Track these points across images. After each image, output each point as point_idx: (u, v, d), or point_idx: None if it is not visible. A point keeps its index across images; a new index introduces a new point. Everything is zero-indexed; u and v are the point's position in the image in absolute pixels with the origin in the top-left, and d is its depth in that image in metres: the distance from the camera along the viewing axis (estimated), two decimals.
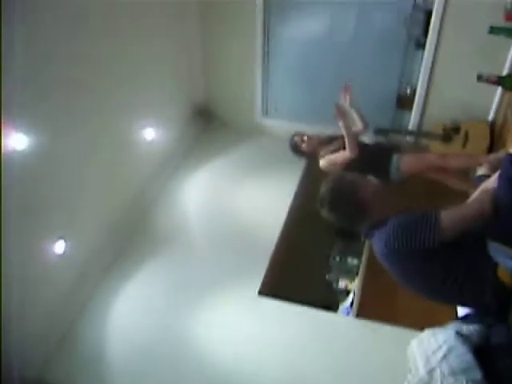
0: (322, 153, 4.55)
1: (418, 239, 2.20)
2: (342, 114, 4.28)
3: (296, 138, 4.70)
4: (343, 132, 4.31)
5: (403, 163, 4.38)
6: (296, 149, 4.70)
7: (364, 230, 2.49)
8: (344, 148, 4.36)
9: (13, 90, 3.27)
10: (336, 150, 4.45)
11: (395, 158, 4.40)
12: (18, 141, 3.44)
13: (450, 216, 2.23)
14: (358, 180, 2.52)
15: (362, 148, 4.54)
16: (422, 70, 5.34)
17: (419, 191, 4.60)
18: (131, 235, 4.98)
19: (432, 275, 2.29)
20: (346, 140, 4.30)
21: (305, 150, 4.66)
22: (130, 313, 4.40)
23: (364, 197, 2.43)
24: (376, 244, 2.39)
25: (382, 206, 2.44)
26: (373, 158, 4.43)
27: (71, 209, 4.20)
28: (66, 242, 4.10)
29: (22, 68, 3.34)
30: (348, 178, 2.54)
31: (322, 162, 4.48)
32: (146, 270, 4.69)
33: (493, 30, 3.45)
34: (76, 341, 4.22)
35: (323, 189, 2.54)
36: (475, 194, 2.46)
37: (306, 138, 4.65)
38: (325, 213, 2.53)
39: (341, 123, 4.28)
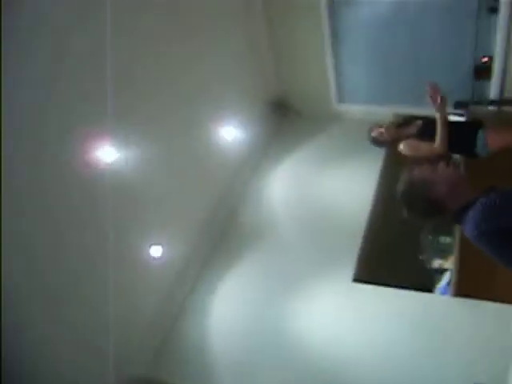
0: (401, 137, 4.49)
1: (507, 219, 2.15)
2: (442, 100, 4.12)
3: (374, 133, 4.66)
4: (439, 122, 4.15)
5: (490, 138, 4.25)
6: (377, 142, 4.67)
7: (450, 217, 2.45)
8: (427, 136, 4.26)
9: (105, 106, 3.44)
10: (413, 134, 4.40)
11: (481, 133, 4.28)
12: (108, 153, 3.60)
13: None
14: (430, 175, 2.43)
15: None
16: (498, 36, 5.15)
17: (503, 167, 4.45)
18: (222, 233, 5.12)
19: None
20: (441, 132, 4.14)
21: (385, 141, 4.62)
22: (228, 307, 4.55)
23: (440, 191, 2.37)
24: (465, 228, 2.34)
25: (462, 193, 2.37)
26: (458, 136, 4.33)
27: (164, 214, 4.37)
28: (162, 245, 4.27)
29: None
30: (419, 176, 2.46)
31: (402, 146, 4.41)
32: (240, 264, 4.82)
33: None
34: (179, 338, 4.40)
35: (397, 192, 2.51)
36: None
37: (383, 130, 4.61)
38: (405, 213, 2.51)
39: (439, 110, 4.13)
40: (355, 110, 6.13)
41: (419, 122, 4.48)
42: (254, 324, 4.36)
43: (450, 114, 4.48)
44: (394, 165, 5.08)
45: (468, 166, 4.57)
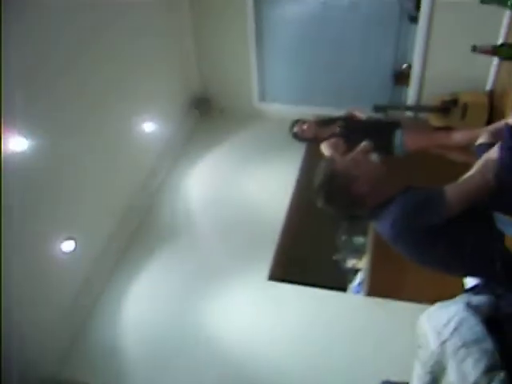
0: (322, 136, 4.57)
1: (424, 217, 2.18)
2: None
3: (296, 128, 4.76)
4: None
5: (407, 139, 4.39)
6: (298, 137, 4.78)
7: (367, 213, 2.46)
8: (348, 137, 4.42)
9: (11, 93, 3.28)
10: (334, 134, 4.53)
11: (399, 133, 4.41)
12: (17, 143, 3.44)
13: (454, 191, 2.21)
14: (352, 169, 2.40)
15: (363, 125, 4.54)
16: (417, 44, 5.31)
17: (419, 166, 4.59)
18: (138, 228, 5.01)
19: (440, 251, 2.27)
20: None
21: (306, 137, 4.72)
22: (142, 305, 4.44)
23: (361, 187, 2.35)
24: (381, 226, 2.35)
25: (381, 190, 2.36)
26: (375, 135, 4.41)
27: (77, 207, 4.23)
28: (74, 240, 4.13)
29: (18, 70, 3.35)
30: (341, 169, 2.41)
31: (323, 146, 4.48)
32: (156, 261, 4.73)
33: (484, 0, 3.40)
34: (91, 336, 4.26)
35: (316, 181, 2.45)
36: (477, 166, 2.43)
37: (305, 126, 4.69)
38: (321, 204, 2.47)
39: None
40: (277, 109, 6.16)
41: (341, 123, 4.62)
42: (169, 322, 4.28)
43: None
44: (313, 163, 5.14)
45: (386, 164, 4.67)
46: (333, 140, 4.49)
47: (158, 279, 4.62)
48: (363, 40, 5.59)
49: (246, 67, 6.00)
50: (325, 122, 4.76)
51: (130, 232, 4.93)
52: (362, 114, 4.85)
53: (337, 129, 4.59)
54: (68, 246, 4.09)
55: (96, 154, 4.40)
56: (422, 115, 5.61)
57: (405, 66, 5.61)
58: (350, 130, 4.59)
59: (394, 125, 4.60)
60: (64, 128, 3.98)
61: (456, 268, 2.39)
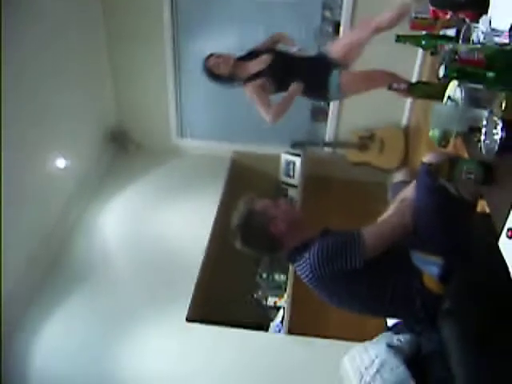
0: (243, 73, 3.99)
1: (342, 261, 2.17)
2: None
3: (211, 61, 4.03)
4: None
5: (344, 79, 3.88)
6: (212, 74, 4.07)
7: (285, 256, 2.43)
8: (277, 75, 3.92)
9: None
10: (260, 71, 3.92)
11: (336, 72, 3.88)
12: None
13: (372, 234, 2.22)
14: (270, 210, 2.40)
15: (295, 61, 4.04)
16: None
17: (336, 206, 4.60)
18: (51, 269, 4.73)
19: (360, 294, 2.27)
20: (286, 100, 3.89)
21: (222, 74, 4.01)
22: (54, 350, 4.17)
23: (279, 228, 2.34)
24: (300, 269, 2.32)
25: (299, 232, 2.37)
26: (309, 73, 3.93)
27: None
28: None
29: None
30: (259, 210, 2.40)
31: (247, 89, 3.95)
32: (69, 303, 4.47)
33: (399, 39, 3.47)
34: None
35: (233, 222, 2.42)
36: (394, 205, 2.45)
37: (221, 59, 3.99)
38: (238, 246, 2.43)
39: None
40: (196, 145, 6.08)
41: (268, 57, 3.96)
42: (82, 368, 4.03)
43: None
44: (232, 199, 5.08)
45: (305, 204, 4.67)
46: (258, 81, 3.87)
47: (71, 323, 4.36)
48: None
49: (163, 102, 5.91)
50: (246, 57, 4.06)
51: (42, 274, 4.64)
52: (293, 43, 4.15)
53: (262, 65, 3.91)
54: None
55: (7, 193, 4.15)
56: (340, 151, 5.68)
57: (322, 102, 5.66)
58: (279, 66, 3.94)
59: (331, 63, 3.94)
60: None
61: (377, 310, 2.38)
